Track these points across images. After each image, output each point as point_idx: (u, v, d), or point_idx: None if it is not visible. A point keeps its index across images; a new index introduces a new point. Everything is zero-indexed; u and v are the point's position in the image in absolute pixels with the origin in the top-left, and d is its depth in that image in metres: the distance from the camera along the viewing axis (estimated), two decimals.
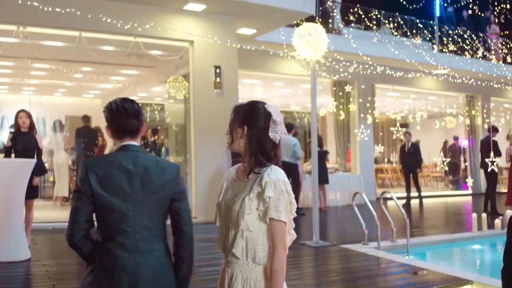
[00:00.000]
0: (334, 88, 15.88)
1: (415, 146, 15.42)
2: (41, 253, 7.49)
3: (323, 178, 11.62)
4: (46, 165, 14.76)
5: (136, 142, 2.81)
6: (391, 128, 16.53)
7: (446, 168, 13.67)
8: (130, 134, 2.81)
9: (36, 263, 6.81)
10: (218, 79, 10.95)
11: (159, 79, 14.18)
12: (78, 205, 2.70)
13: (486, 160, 11.03)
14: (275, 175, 2.41)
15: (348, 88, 15.43)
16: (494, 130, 13.29)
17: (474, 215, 9.81)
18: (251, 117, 2.49)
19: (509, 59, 18.60)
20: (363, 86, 15.30)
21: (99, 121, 13.99)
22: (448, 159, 15.36)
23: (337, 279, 6.42)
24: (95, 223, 2.73)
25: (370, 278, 6.56)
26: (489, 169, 11.10)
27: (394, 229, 8.55)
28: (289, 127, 11.52)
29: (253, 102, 2.57)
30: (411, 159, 15.08)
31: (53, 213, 11.22)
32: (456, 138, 21.26)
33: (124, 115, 2.80)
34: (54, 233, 9.17)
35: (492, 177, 12.72)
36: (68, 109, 18.01)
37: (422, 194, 15.32)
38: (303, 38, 7.96)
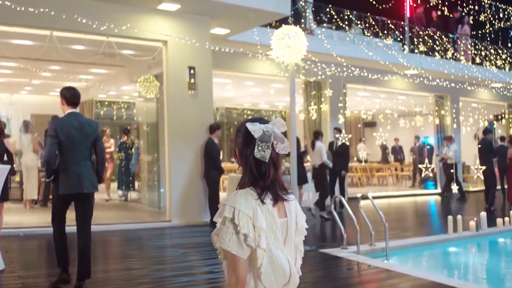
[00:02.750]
0: (305, 87, 15.79)
1: (343, 145, 13.09)
2: (15, 263, 7.21)
3: (303, 178, 11.57)
4: (14, 166, 14.45)
5: (77, 110, 6.02)
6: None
7: (431, 174, 13.63)
8: (74, 106, 5.98)
9: (11, 275, 6.55)
10: (192, 80, 10.76)
11: (130, 79, 13.92)
12: (52, 143, 5.73)
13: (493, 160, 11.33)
14: (227, 199, 2.27)
15: (320, 88, 15.42)
16: (489, 132, 13.68)
17: (450, 217, 9.84)
18: (238, 139, 2.37)
19: (478, 60, 18.83)
20: (332, 89, 15.29)
21: None
22: (433, 166, 15.43)
23: (316, 287, 6.32)
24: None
25: (353, 285, 6.50)
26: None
27: (373, 233, 8.51)
28: (316, 135, 12.64)
29: (244, 121, 2.38)
30: (338, 159, 12.97)
31: (23, 218, 10.88)
32: (416, 138, 21.42)
33: (74, 95, 5.98)
34: (25, 239, 8.88)
35: (492, 177, 13.13)
36: (34, 108, 17.58)
37: (391, 193, 15.37)
38: (282, 41, 7.84)
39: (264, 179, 2.29)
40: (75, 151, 5.73)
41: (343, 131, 13.42)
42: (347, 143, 13.00)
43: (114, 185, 15.49)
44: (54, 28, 9.45)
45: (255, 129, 2.28)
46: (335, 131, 13.43)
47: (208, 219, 10.62)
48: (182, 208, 10.67)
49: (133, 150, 14.69)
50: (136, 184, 15.18)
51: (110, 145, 14.48)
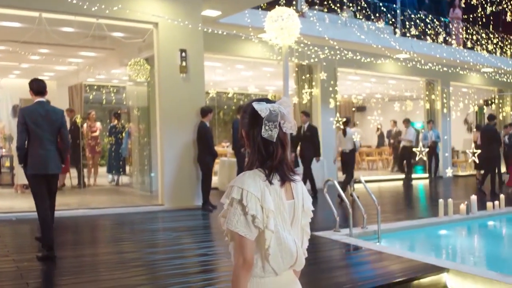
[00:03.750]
0: (296, 71, 15.74)
1: (312, 129, 12.82)
2: (8, 247, 7.21)
3: (295, 162, 11.59)
4: (4, 151, 14.33)
5: (44, 99, 6.73)
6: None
7: (425, 158, 13.74)
8: (42, 95, 6.70)
9: (5, 259, 6.52)
10: (183, 63, 10.68)
11: (120, 62, 13.79)
12: (21, 130, 6.45)
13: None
14: (234, 181, 2.25)
15: (311, 71, 15.37)
16: (492, 118, 13.74)
17: (441, 200, 9.89)
18: (245, 120, 2.34)
19: (469, 44, 18.83)
20: (324, 72, 15.22)
21: (55, 103, 13.54)
22: (427, 149, 15.44)
23: (312, 269, 6.31)
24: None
25: (345, 267, 6.51)
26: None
27: (365, 216, 8.54)
28: (347, 122, 13.07)
29: (250, 101, 2.36)
30: (306, 145, 12.62)
31: (14, 203, 10.83)
32: (394, 122, 21.37)
33: (39, 86, 6.73)
34: (18, 224, 8.85)
35: (495, 162, 13.25)
36: (23, 92, 17.30)
37: (382, 177, 15.40)
38: (275, 23, 7.78)
39: (272, 159, 2.28)
40: (41, 137, 6.51)
41: (337, 114, 13.37)
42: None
43: (102, 170, 15.43)
44: (43, 9, 9.32)
45: (262, 108, 2.26)
46: (302, 115, 13.03)
47: (200, 202, 10.60)
48: (174, 191, 10.64)
49: (123, 134, 14.60)
50: (127, 168, 15.12)
51: (96, 129, 14.33)
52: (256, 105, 2.27)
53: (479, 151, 9.81)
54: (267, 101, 2.33)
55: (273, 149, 2.28)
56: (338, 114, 13.40)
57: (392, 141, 21.22)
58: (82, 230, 9.00)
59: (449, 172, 12.31)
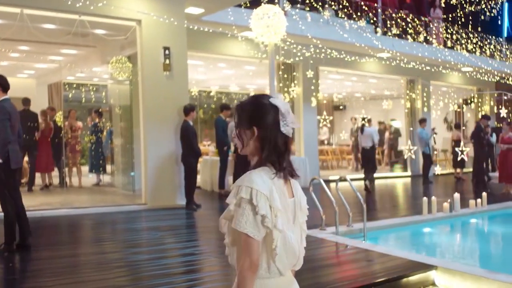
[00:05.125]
0: (279, 69, 15.71)
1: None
2: None
3: None
4: None
5: (7, 96, 6.73)
6: (318, 117, 16.70)
7: (413, 156, 13.95)
8: (6, 92, 6.71)
9: None
10: (167, 61, 10.58)
11: (102, 60, 13.63)
12: (7, 125, 6.52)
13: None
14: (242, 180, 2.16)
15: (293, 70, 15.38)
16: (486, 118, 14.05)
17: (425, 198, 9.96)
18: (259, 116, 2.22)
19: (449, 44, 18.98)
20: (306, 71, 15.22)
21: (35, 102, 13.37)
22: (415, 147, 15.51)
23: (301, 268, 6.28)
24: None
25: (333, 266, 6.50)
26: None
27: (351, 214, 8.54)
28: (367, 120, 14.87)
29: (257, 97, 2.29)
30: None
31: None
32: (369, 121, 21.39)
33: (7, 82, 6.74)
34: None
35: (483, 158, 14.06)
36: None
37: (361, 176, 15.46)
38: (261, 21, 7.74)
39: (284, 155, 2.23)
40: (16, 132, 6.77)
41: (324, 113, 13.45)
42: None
43: (84, 168, 15.26)
44: (25, 5, 9.16)
45: (281, 102, 2.22)
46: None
47: (184, 201, 10.53)
48: (157, 191, 10.55)
49: (105, 133, 14.44)
50: (109, 167, 14.96)
51: (77, 127, 14.08)
52: (273, 100, 2.22)
53: (468, 149, 9.90)
54: (269, 97, 2.28)
55: (287, 145, 2.24)
56: (325, 113, 13.45)
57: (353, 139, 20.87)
58: (65, 230, 8.89)
59: (438, 170, 12.55)
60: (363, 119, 14.84)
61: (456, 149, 10.04)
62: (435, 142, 17.93)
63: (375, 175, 14.94)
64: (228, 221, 2.19)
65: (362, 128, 14.41)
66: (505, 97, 11.98)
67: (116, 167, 13.70)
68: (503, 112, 10.53)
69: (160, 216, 9.84)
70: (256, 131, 2.22)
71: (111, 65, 12.09)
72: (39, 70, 17.24)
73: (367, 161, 14.48)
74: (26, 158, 12.53)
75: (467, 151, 9.69)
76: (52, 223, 9.11)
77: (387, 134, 21.19)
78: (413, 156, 13.51)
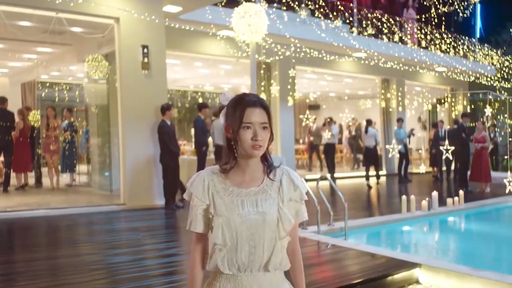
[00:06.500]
0: (264, 68, 15.67)
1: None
2: None
3: None
4: None
5: None
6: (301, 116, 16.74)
7: (397, 154, 14.18)
8: None
9: None
10: (145, 60, 10.48)
11: (78, 58, 13.43)
12: None
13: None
14: (295, 176, 2.27)
15: (270, 69, 15.37)
16: (466, 116, 14.49)
17: (404, 197, 10.02)
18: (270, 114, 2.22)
19: (423, 44, 19.17)
20: (283, 70, 15.22)
21: (8, 101, 13.09)
22: (399, 147, 15.62)
23: None
24: None
25: (317, 265, 6.49)
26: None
27: (332, 213, 8.56)
28: (369, 122, 15.88)
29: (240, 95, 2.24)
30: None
31: None
32: (369, 122, 21.48)
33: None
34: None
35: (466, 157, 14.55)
36: None
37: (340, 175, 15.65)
38: (243, 19, 7.70)
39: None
40: None
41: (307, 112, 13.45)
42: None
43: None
44: (2, 2, 8.96)
45: None
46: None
47: (163, 201, 10.43)
48: (136, 191, 10.43)
49: (81, 132, 14.23)
50: (85, 167, 14.73)
51: (54, 126, 13.77)
52: None
53: (452, 147, 10.02)
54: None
55: None
56: (307, 112, 13.48)
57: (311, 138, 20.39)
58: (42, 231, 8.72)
59: (422, 169, 12.99)
60: (367, 120, 15.98)
61: (441, 147, 10.12)
62: (409, 142, 18.11)
63: (371, 173, 15.87)
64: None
65: (366, 129, 15.59)
66: (490, 96, 12.11)
67: (93, 167, 13.51)
68: (488, 111, 10.65)
69: (139, 216, 9.73)
70: (270, 129, 2.21)
71: (87, 63, 11.91)
72: (13, 68, 16.94)
73: (371, 159, 15.66)
74: (1, 158, 12.30)
75: (451, 149, 9.80)
76: (29, 224, 8.94)
77: (346, 133, 21.15)
78: (397, 155, 13.66)
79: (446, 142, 9.92)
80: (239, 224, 2.12)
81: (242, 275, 2.15)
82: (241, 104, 2.15)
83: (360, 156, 19.36)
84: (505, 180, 9.36)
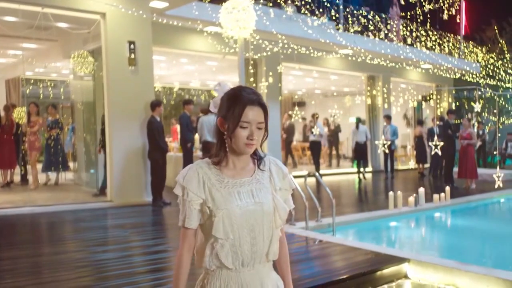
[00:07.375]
0: (252, 64, 15.60)
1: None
2: None
3: None
4: None
5: None
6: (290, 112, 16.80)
7: (387, 151, 14.43)
8: None
9: None
10: (132, 56, 10.41)
11: (63, 54, 13.30)
12: None
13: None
14: (281, 165, 2.30)
15: (257, 66, 15.34)
16: (451, 112, 14.69)
17: (391, 193, 10.07)
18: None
19: (409, 41, 19.23)
20: (270, 67, 15.18)
21: None
22: (388, 142, 15.74)
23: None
24: None
25: (306, 261, 6.49)
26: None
27: (319, 209, 8.57)
28: (360, 120, 17.06)
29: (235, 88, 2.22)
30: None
31: None
32: (289, 115, 20.74)
33: None
34: None
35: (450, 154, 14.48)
36: None
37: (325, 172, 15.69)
38: (231, 15, 7.67)
39: None
40: None
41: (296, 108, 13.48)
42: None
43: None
44: None
45: None
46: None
47: (150, 198, 10.38)
48: (124, 188, 10.38)
49: (66, 129, 14.10)
50: (71, 164, 14.59)
51: (36, 123, 13.59)
52: None
53: (441, 143, 10.08)
54: None
55: None
56: (296, 108, 13.48)
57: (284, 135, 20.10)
58: (27, 229, 8.63)
59: (412, 165, 13.10)
60: (358, 118, 17.04)
61: (430, 143, 10.17)
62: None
63: (362, 169, 16.58)
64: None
65: (357, 125, 16.53)
66: (479, 92, 12.21)
67: (79, 164, 13.40)
68: (477, 107, 10.75)
69: (127, 213, 9.68)
70: (265, 124, 2.21)
71: (73, 59, 11.80)
72: None
73: (361, 154, 16.53)
74: None
75: (440, 145, 9.86)
76: (15, 221, 8.86)
77: (325, 130, 21.16)
78: (387, 151, 13.76)
79: (435, 138, 9.98)
80: (239, 216, 2.11)
81: (245, 269, 2.14)
82: (240, 101, 2.11)
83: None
84: (494, 175, 9.44)
